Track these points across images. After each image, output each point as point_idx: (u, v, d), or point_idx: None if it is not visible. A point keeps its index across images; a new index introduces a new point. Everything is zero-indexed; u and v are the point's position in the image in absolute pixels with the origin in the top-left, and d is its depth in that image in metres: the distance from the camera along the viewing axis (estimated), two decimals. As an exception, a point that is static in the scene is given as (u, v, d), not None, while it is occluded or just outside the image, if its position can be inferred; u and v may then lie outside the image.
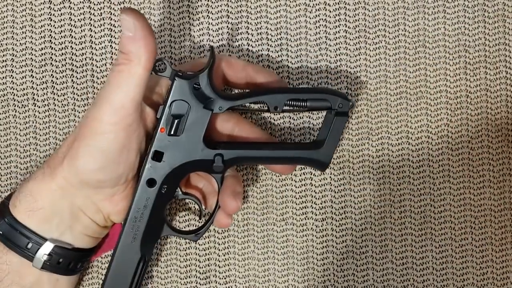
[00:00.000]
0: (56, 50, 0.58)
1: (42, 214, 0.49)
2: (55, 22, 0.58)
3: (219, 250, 0.58)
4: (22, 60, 0.58)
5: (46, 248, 0.49)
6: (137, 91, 0.47)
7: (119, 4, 0.58)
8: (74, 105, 0.58)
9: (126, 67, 0.46)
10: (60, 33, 0.58)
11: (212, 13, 0.58)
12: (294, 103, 0.51)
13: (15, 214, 0.49)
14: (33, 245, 0.49)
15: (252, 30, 0.58)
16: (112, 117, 0.47)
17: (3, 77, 0.58)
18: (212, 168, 0.51)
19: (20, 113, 0.58)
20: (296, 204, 0.58)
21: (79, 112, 0.58)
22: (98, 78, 0.58)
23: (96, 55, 0.58)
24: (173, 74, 0.49)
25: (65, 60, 0.58)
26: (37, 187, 0.49)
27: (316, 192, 0.57)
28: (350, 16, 0.58)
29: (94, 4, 0.58)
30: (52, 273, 0.50)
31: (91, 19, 0.58)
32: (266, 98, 0.51)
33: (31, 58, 0.58)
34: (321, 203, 0.58)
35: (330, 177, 0.58)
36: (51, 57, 0.58)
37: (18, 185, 0.56)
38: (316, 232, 0.58)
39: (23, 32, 0.58)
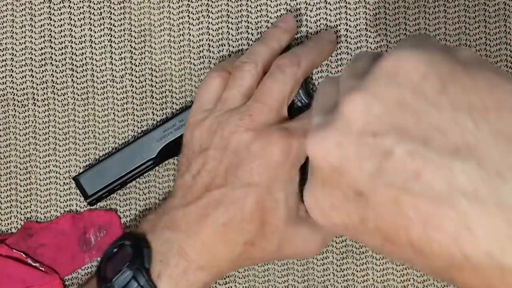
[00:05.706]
0: (56, 50, 0.58)
1: None
2: (55, 22, 0.58)
3: (218, 250, 0.58)
4: (22, 60, 0.58)
5: None
6: None
7: (119, 4, 0.58)
8: (74, 105, 0.58)
9: None
10: (60, 33, 0.58)
11: (212, 13, 0.58)
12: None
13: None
14: None
15: (253, 29, 0.58)
16: None
17: (3, 77, 0.58)
18: None
19: (20, 113, 0.58)
20: (296, 204, 0.58)
21: (79, 112, 0.58)
22: (98, 78, 0.58)
23: (96, 55, 0.58)
24: None
25: (65, 60, 0.58)
26: None
27: (316, 192, 0.57)
28: (351, 15, 0.58)
29: (94, 4, 0.58)
30: None
31: (91, 19, 0.58)
32: None
33: (31, 58, 0.58)
34: (321, 203, 0.57)
35: (330, 176, 0.58)
36: (51, 57, 0.58)
37: None
38: (316, 232, 0.58)
39: (22, 32, 0.58)
